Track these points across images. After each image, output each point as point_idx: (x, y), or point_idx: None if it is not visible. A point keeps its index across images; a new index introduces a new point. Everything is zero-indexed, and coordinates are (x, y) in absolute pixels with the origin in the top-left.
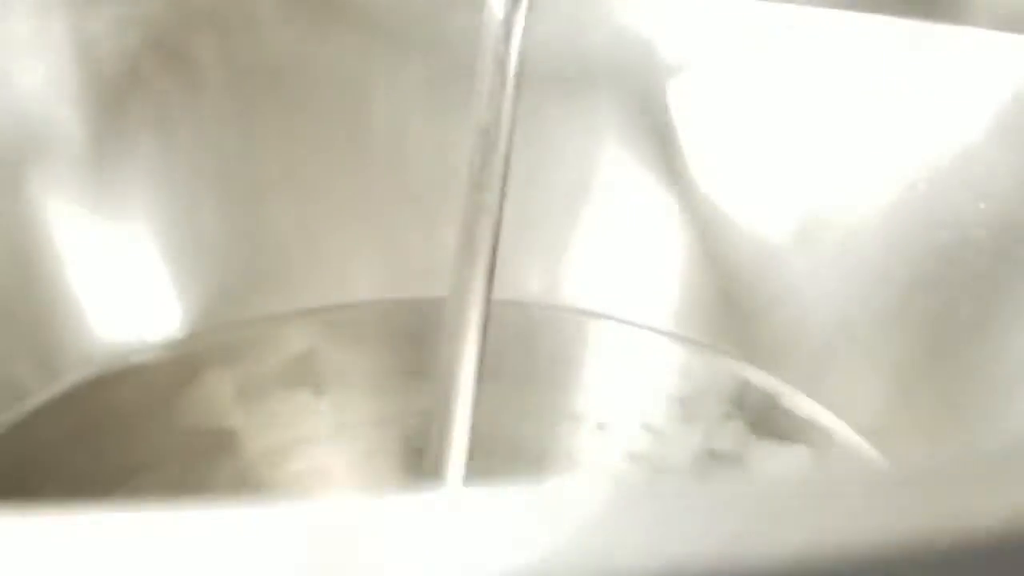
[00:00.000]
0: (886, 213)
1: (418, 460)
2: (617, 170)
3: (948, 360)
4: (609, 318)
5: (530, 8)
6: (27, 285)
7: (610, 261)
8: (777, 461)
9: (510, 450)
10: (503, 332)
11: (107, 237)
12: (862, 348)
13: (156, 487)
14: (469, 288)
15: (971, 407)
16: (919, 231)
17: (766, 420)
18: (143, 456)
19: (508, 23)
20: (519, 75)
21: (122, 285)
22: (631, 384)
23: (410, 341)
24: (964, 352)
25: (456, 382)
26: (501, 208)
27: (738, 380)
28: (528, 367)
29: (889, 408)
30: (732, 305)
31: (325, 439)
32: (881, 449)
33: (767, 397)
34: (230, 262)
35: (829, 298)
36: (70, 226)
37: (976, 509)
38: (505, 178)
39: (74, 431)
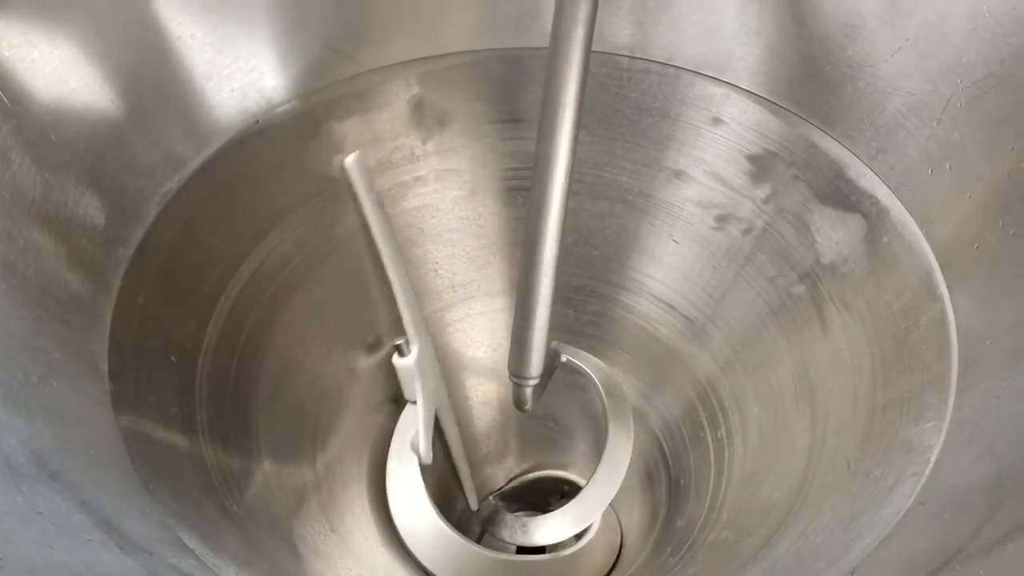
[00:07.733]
0: (972, 4)
1: (516, 197)
2: None
3: (1008, 160)
4: (693, 72)
5: None
6: (169, 75)
7: (698, 18)
8: (834, 227)
9: (592, 192)
10: (593, 82)
11: (224, 21)
12: (929, 132)
13: (301, 226)
14: (571, 37)
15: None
16: (1001, 29)
17: (830, 187)
18: (286, 201)
19: None
20: None
21: (244, 60)
22: (708, 137)
23: (504, 89)
24: None
25: (557, 127)
26: None
27: (809, 145)
28: (614, 115)
29: (945, 195)
30: (813, 71)
31: (433, 180)
32: (929, 235)
33: (834, 165)
34: (334, 25)
35: (905, 77)
36: (192, 19)
37: None
38: None
39: (227, 187)
